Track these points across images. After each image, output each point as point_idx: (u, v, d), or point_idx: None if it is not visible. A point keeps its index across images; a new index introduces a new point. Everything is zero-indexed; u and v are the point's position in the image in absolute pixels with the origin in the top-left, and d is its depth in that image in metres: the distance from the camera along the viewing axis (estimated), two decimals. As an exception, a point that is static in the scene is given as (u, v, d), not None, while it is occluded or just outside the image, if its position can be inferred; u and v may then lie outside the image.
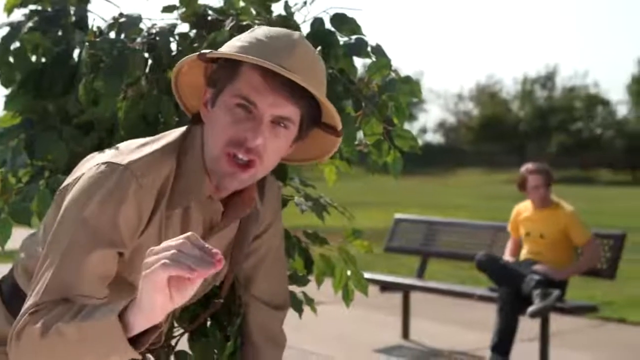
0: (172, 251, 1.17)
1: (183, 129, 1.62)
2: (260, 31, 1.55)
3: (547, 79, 65.91)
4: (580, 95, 63.80)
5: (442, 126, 71.25)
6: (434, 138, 71.08)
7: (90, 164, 1.53)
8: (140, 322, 1.25)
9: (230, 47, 1.53)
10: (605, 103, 62.76)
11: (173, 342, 1.86)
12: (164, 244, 1.20)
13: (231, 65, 1.50)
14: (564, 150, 50.79)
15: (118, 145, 1.59)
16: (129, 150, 1.54)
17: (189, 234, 1.20)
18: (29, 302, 1.40)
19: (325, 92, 1.59)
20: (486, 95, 68.24)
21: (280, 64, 1.45)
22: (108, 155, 1.54)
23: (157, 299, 1.20)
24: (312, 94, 1.49)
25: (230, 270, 1.75)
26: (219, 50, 1.55)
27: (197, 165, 1.55)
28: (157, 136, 1.61)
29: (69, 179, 1.58)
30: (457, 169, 56.16)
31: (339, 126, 1.58)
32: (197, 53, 1.53)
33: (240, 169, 1.50)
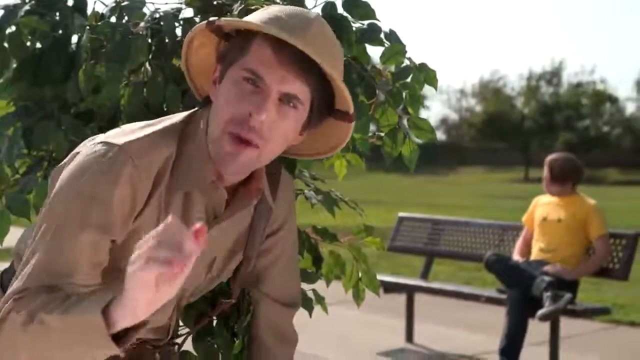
0: (152, 246, 1.09)
1: (187, 112, 1.54)
2: (275, 8, 1.47)
3: (553, 75, 65.79)
4: (587, 91, 63.78)
5: (444, 123, 71.29)
6: (436, 135, 71.06)
7: (87, 142, 1.47)
8: (124, 319, 1.19)
9: (243, 21, 1.45)
10: (613, 100, 62.81)
11: (179, 340, 1.76)
12: (147, 236, 1.12)
13: (242, 39, 1.43)
14: (570, 149, 50.70)
15: (122, 126, 1.52)
16: (129, 131, 1.47)
17: (168, 219, 1.10)
18: (14, 286, 1.35)
19: (342, 76, 1.50)
20: (490, 91, 68.15)
21: (294, 37, 1.38)
22: (106, 135, 1.47)
23: (141, 297, 1.13)
24: (324, 75, 1.41)
25: (242, 268, 1.67)
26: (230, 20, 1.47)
27: (200, 150, 1.47)
28: (159, 119, 1.53)
29: (67, 160, 1.51)
30: (459, 167, 56.22)
31: (351, 109, 1.49)
32: (206, 21, 1.45)
33: (241, 146, 1.41)
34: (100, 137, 1.45)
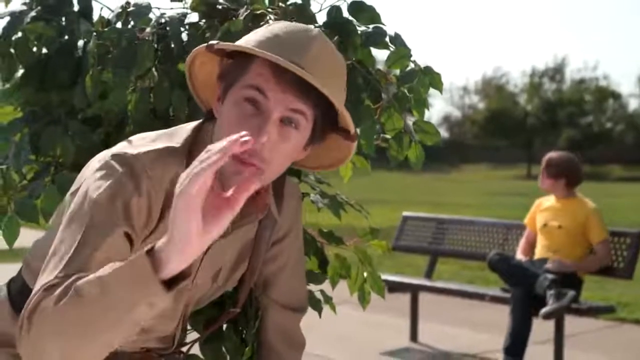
0: (196, 164, 1.08)
1: (196, 123, 1.54)
2: (277, 25, 1.46)
3: (556, 71, 65.57)
4: (590, 88, 63.64)
5: (446, 120, 71.17)
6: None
7: (98, 157, 1.47)
8: (173, 258, 1.10)
9: (244, 41, 1.45)
10: (616, 96, 62.67)
11: (185, 348, 1.77)
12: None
13: (243, 59, 1.42)
14: (573, 145, 50.58)
15: (130, 138, 1.52)
16: (140, 144, 1.47)
17: (209, 146, 1.09)
18: (42, 281, 1.27)
19: (344, 94, 1.50)
20: (493, 88, 67.99)
21: (293, 60, 1.37)
22: (117, 147, 1.47)
23: (192, 225, 1.07)
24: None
25: (247, 277, 1.68)
26: (234, 43, 1.46)
27: None
28: (169, 130, 1.53)
29: (77, 182, 1.50)
30: (462, 164, 56.18)
31: (352, 128, 1.48)
32: (206, 44, 1.45)
33: (244, 166, 1.40)
34: (109, 153, 1.45)
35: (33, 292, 1.26)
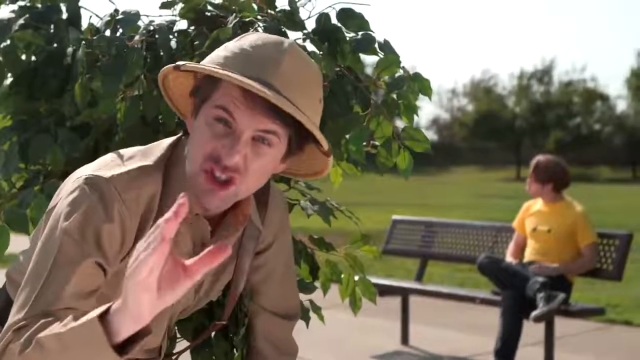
0: (146, 244, 1.07)
1: (173, 139, 1.53)
2: (248, 39, 1.44)
3: (544, 74, 65.59)
4: (578, 89, 63.69)
5: (435, 123, 71.20)
6: (427, 135, 70.76)
7: (73, 177, 1.46)
8: (126, 325, 1.12)
9: (213, 58, 1.44)
10: (604, 98, 62.78)
11: (174, 358, 1.76)
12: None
13: (213, 77, 1.40)
14: (562, 147, 50.72)
15: (106, 156, 1.51)
16: (114, 164, 1.46)
17: (159, 221, 1.07)
18: (12, 319, 1.32)
19: (320, 106, 1.48)
20: (481, 90, 68.02)
21: (261, 78, 1.36)
22: (92, 167, 1.46)
23: (143, 297, 1.08)
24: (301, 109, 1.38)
25: (232, 289, 1.67)
26: (202, 62, 1.45)
27: (183, 183, 1.46)
28: (145, 148, 1.52)
29: (54, 199, 1.50)
30: (451, 167, 56.25)
31: (325, 146, 1.46)
32: (173, 65, 1.43)
33: (218, 187, 1.40)
34: (86, 171, 1.44)
35: (5, 327, 1.31)
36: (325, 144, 1.45)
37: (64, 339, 1.19)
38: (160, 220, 1.05)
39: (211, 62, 1.43)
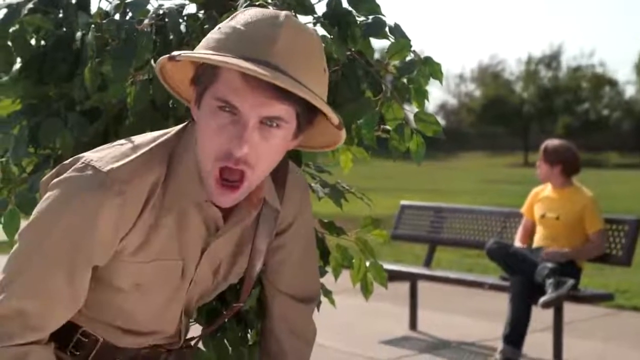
0: None
1: (180, 127, 1.52)
2: (242, 18, 1.39)
3: (552, 59, 65.33)
4: (586, 75, 63.43)
5: (443, 108, 70.98)
6: (435, 120, 70.45)
7: (75, 164, 1.45)
8: None
9: (207, 41, 1.40)
10: (613, 83, 62.54)
11: (193, 342, 1.76)
12: None
13: (211, 64, 1.37)
14: (570, 132, 50.46)
15: (111, 144, 1.50)
16: (119, 154, 1.44)
17: None
18: None
19: (325, 77, 1.44)
20: (489, 76, 67.80)
21: (260, 58, 1.32)
22: (95, 156, 1.45)
23: None
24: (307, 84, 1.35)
25: (248, 271, 1.65)
26: (197, 47, 1.42)
27: (191, 169, 1.45)
28: (154, 135, 1.51)
29: (54, 171, 1.51)
30: (459, 152, 56.13)
31: (335, 121, 1.43)
32: (167, 56, 1.40)
33: (229, 191, 1.40)
34: (88, 159, 1.43)
35: None
36: (335, 119, 1.42)
37: None
38: None
39: (206, 46, 1.39)
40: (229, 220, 1.53)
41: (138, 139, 1.50)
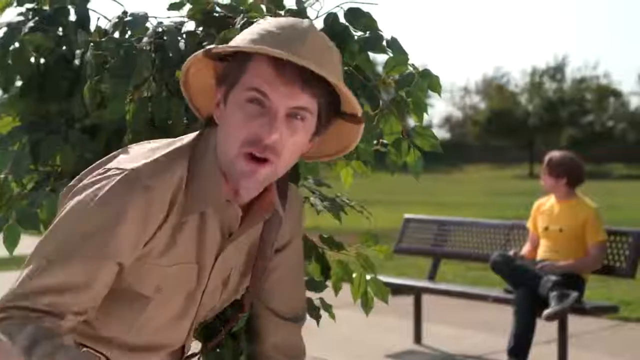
0: None
1: (196, 133, 1.54)
2: (268, 22, 1.47)
3: (556, 70, 65.23)
4: (590, 86, 63.35)
5: (447, 121, 71.05)
6: (440, 133, 69.78)
7: (98, 170, 1.47)
8: None
9: (238, 41, 1.45)
10: (617, 94, 62.48)
11: (195, 358, 1.76)
12: None
13: (240, 60, 1.43)
14: (575, 144, 50.41)
15: (129, 147, 1.53)
16: (139, 155, 1.47)
17: None
18: (4, 297, 1.37)
19: (342, 76, 1.51)
20: (493, 88, 67.77)
21: (290, 52, 1.38)
22: (117, 160, 1.48)
23: None
24: (328, 81, 1.41)
25: (253, 282, 1.66)
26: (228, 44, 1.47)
27: (212, 169, 1.48)
28: (169, 140, 1.54)
29: (75, 180, 1.52)
30: (464, 165, 56.14)
31: (359, 111, 1.49)
32: (203, 50, 1.45)
33: (258, 165, 1.42)
34: (112, 164, 1.46)
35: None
36: (358, 108, 1.48)
37: None
38: None
39: (236, 44, 1.44)
40: (243, 224, 1.55)
41: (153, 144, 1.53)
